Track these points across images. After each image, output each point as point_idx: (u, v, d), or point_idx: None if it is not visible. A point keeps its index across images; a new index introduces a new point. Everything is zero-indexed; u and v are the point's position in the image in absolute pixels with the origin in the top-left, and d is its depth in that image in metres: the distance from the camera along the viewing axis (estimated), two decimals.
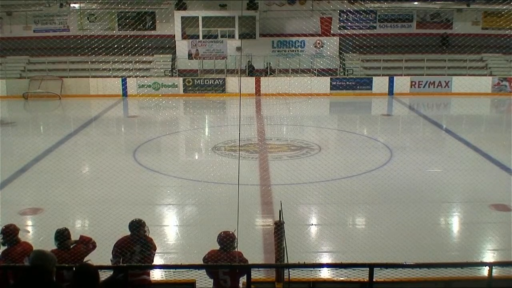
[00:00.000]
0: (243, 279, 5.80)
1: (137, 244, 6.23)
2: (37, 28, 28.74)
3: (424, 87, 26.46)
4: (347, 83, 26.58)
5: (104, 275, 5.78)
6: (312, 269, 6.17)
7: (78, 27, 28.38)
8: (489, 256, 8.57)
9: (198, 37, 27.03)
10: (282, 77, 26.30)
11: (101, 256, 6.39)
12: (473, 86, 25.54)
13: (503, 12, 24.34)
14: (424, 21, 29.09)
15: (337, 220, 10.11)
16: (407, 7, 28.46)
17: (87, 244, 6.24)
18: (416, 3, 28.33)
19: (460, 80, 25.67)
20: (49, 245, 6.07)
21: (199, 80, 26.54)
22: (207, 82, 26.51)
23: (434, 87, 26.43)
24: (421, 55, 26.88)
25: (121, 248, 6.24)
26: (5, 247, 6.08)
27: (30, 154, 14.60)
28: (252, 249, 7.97)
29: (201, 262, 6.09)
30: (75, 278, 4.69)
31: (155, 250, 6.39)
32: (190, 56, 27.01)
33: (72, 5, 28.26)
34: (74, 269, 4.88)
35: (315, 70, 26.33)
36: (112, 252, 6.25)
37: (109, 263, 6.01)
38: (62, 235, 6.11)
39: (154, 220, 9.77)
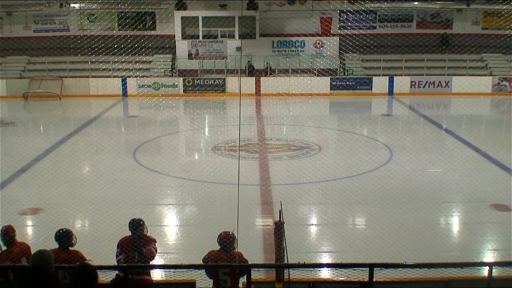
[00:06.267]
0: (243, 279, 5.80)
1: (137, 243, 6.23)
2: (37, 28, 28.71)
3: (424, 87, 26.46)
4: (347, 83, 26.57)
5: (104, 275, 5.79)
6: (312, 269, 6.16)
7: (78, 27, 28.38)
8: (489, 256, 8.57)
9: (198, 37, 27.04)
10: (282, 77, 26.30)
11: (101, 256, 6.40)
12: (473, 86, 25.52)
13: (503, 12, 24.32)
14: (424, 21, 29.08)
15: (337, 220, 10.11)
16: (407, 7, 28.45)
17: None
18: (416, 3, 28.31)
19: (460, 80, 25.66)
20: (49, 245, 6.05)
21: (199, 80, 26.54)
22: (207, 82, 26.51)
23: (434, 87, 26.42)
24: (421, 55, 26.89)
25: (123, 246, 6.25)
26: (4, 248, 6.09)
27: (30, 154, 14.61)
28: (252, 249, 7.97)
29: (201, 262, 6.09)
30: (73, 278, 4.68)
31: (155, 242, 6.40)
32: (190, 56, 27.02)
33: (72, 5, 28.25)
34: (73, 269, 4.87)
35: (315, 70, 26.32)
36: (116, 252, 6.26)
37: (109, 263, 6.01)
38: (62, 237, 6.10)
39: (154, 220, 9.77)
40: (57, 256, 5.56)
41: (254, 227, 9.71)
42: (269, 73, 27.00)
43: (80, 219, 10.53)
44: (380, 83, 26.37)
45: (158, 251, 6.51)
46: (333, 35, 27.61)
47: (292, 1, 28.22)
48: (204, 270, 5.86)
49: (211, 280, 5.92)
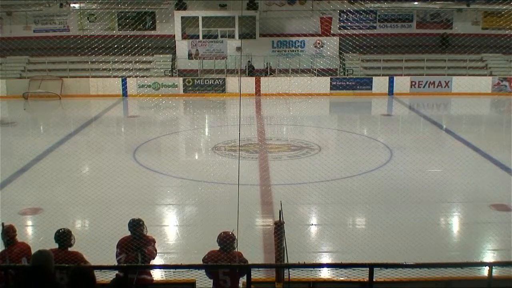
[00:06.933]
0: (243, 279, 5.80)
1: (137, 243, 6.23)
2: (37, 28, 28.72)
3: (424, 87, 26.46)
4: (347, 83, 26.57)
5: (104, 275, 5.79)
6: (312, 269, 6.16)
7: (78, 27, 28.38)
8: (489, 256, 8.57)
9: (198, 37, 27.03)
10: (282, 77, 26.30)
11: (101, 256, 6.40)
12: (473, 86, 25.53)
13: (503, 12, 24.31)
14: (424, 21, 29.09)
15: (337, 220, 10.11)
16: (407, 7, 28.46)
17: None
18: (416, 3, 28.32)
19: (460, 80, 25.67)
20: (49, 245, 6.05)
21: (199, 80, 26.54)
22: (207, 82, 26.51)
23: (434, 87, 26.42)
24: (421, 55, 26.87)
25: (123, 247, 6.24)
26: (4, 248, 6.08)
27: (30, 154, 14.61)
28: (252, 249, 7.97)
29: (201, 262, 6.08)
30: (72, 281, 4.67)
31: (154, 242, 6.42)
32: (190, 56, 27.02)
33: (72, 5, 28.25)
34: (71, 272, 4.86)
35: (315, 70, 26.32)
36: (116, 252, 6.25)
37: (109, 263, 6.00)
38: (61, 237, 6.09)
39: (154, 220, 9.77)
40: (56, 256, 5.56)
41: (254, 227, 9.71)
42: (269, 73, 27.00)
43: (80, 219, 10.54)
44: (380, 83, 26.37)
45: (158, 251, 6.52)
46: (333, 35, 27.60)
47: (292, 1, 28.23)
48: (204, 270, 5.86)
49: (211, 280, 5.92)
